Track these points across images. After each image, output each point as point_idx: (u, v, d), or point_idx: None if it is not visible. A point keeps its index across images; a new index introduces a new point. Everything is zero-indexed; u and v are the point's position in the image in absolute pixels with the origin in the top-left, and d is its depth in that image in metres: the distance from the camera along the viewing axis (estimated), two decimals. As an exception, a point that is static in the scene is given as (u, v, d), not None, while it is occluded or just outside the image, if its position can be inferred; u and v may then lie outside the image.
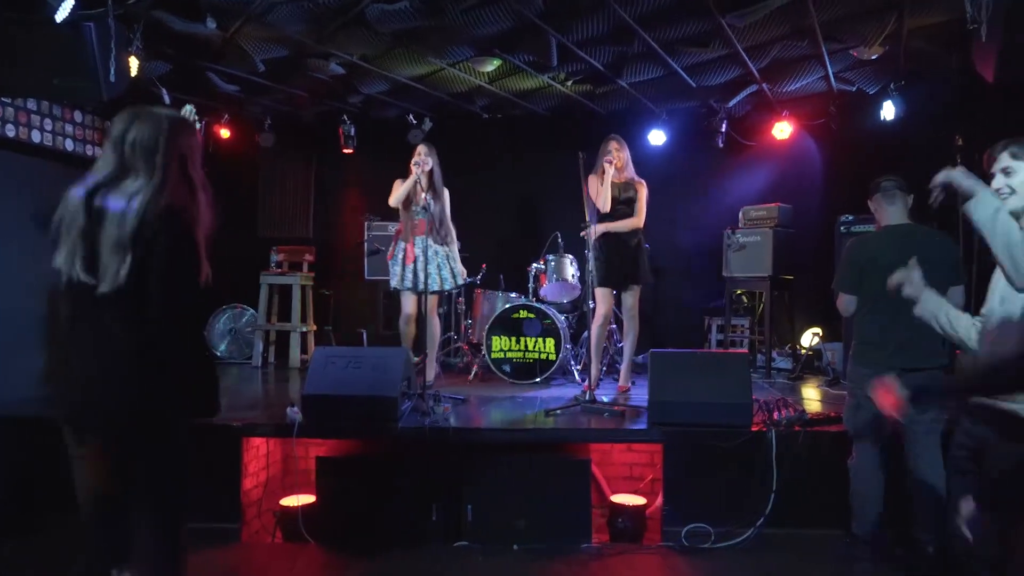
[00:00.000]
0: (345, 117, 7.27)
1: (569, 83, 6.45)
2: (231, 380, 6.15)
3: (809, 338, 6.88)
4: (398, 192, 5.26)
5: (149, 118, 2.21)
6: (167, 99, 6.06)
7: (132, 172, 2.15)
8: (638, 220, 5.27)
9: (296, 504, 4.24)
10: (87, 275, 2.06)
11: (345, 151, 7.43)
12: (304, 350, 6.96)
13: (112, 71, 4.19)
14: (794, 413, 4.25)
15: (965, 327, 2.62)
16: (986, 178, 2.55)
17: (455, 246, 5.46)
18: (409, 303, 5.37)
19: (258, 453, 4.54)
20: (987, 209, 2.33)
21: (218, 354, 7.22)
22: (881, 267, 3.56)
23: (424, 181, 5.29)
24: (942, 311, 2.65)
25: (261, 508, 4.50)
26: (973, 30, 4.06)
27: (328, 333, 7.32)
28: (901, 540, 3.47)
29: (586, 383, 5.22)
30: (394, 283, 5.34)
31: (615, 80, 6.27)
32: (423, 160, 5.25)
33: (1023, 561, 2.24)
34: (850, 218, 5.87)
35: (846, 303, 3.71)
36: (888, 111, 6.27)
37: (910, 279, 2.71)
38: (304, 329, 7.02)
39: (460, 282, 5.50)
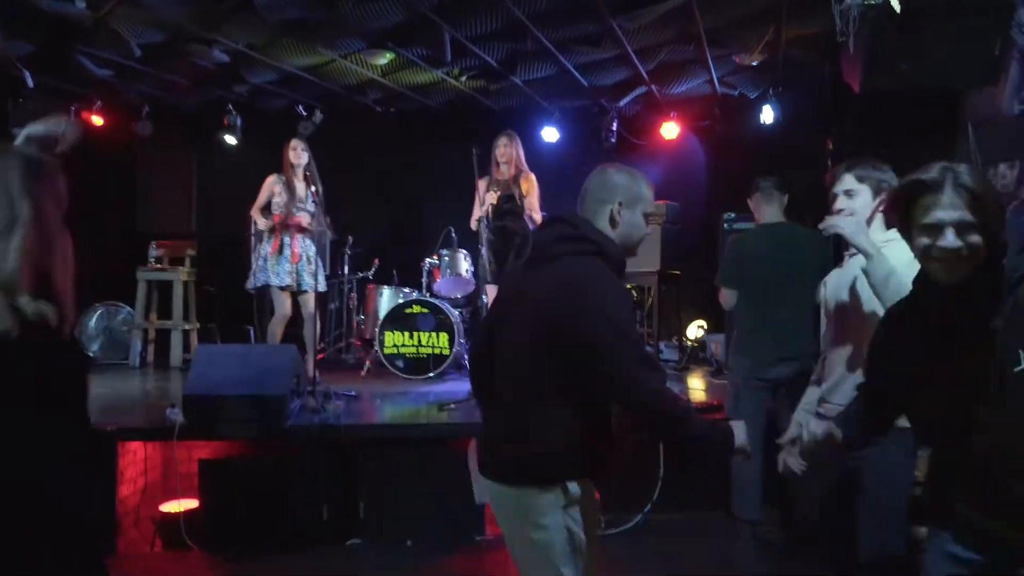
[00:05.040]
0: (230, 107, 6.98)
1: (463, 78, 6.43)
2: (105, 382, 5.78)
3: (695, 330, 7.15)
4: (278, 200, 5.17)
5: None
6: (31, 82, 5.64)
7: None
8: (535, 217, 5.29)
9: (178, 510, 4.04)
10: None
11: (231, 142, 7.14)
12: (186, 349, 6.64)
13: (-35, 49, 3.86)
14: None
15: None
16: (827, 195, 2.65)
17: (328, 237, 5.39)
18: (288, 304, 5.22)
19: (135, 458, 4.30)
20: (881, 271, 2.32)
21: (90, 355, 6.77)
22: (758, 262, 3.76)
23: (301, 176, 5.21)
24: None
25: (139, 516, 4.27)
26: (842, 42, 4.32)
27: (212, 331, 7.01)
28: (779, 520, 3.66)
29: None
30: (277, 282, 5.15)
31: (509, 77, 6.30)
32: (301, 155, 5.17)
33: None
34: (733, 216, 6.13)
35: (728, 297, 3.88)
36: (767, 115, 6.60)
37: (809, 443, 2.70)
38: (186, 327, 6.71)
39: (323, 288, 5.41)
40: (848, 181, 2.58)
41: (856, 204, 2.56)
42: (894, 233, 2.55)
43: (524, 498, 2.04)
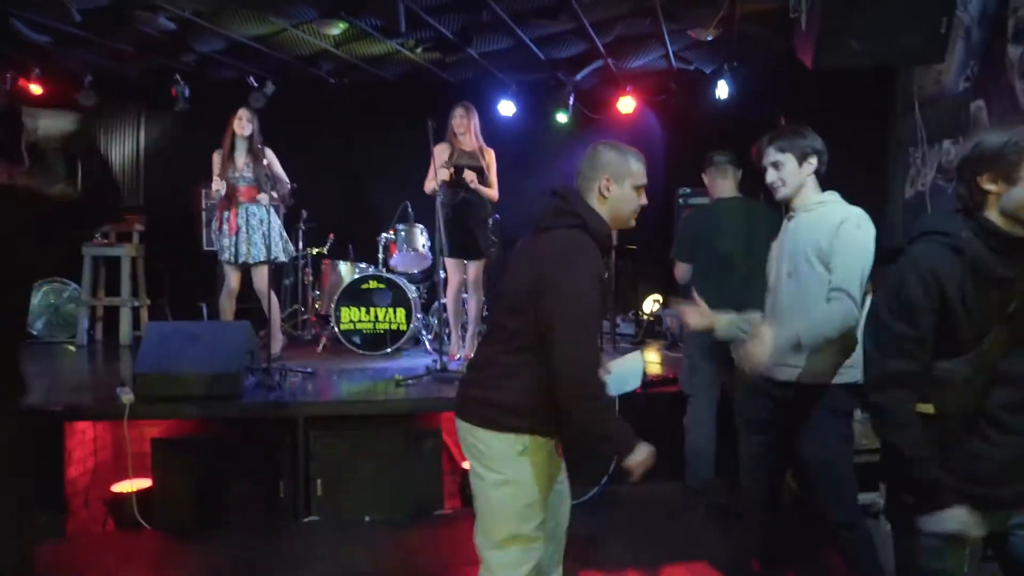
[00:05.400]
0: (178, 77, 6.77)
1: (418, 50, 6.33)
2: (51, 361, 5.63)
3: (650, 304, 7.24)
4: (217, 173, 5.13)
5: None
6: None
7: None
8: (493, 192, 5.27)
9: (130, 489, 3.97)
10: None
11: (179, 113, 6.94)
12: (136, 326, 6.48)
13: None
14: (636, 376, 4.46)
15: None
16: (758, 171, 2.70)
17: (282, 208, 5.30)
18: (233, 277, 5.15)
19: (84, 438, 4.21)
20: (816, 338, 2.39)
21: (34, 333, 6.56)
22: (713, 237, 3.81)
23: (244, 146, 5.12)
24: (741, 323, 2.66)
25: (89, 497, 4.18)
26: (795, 18, 4.36)
27: (163, 308, 6.86)
28: (731, 489, 3.74)
29: (452, 353, 5.27)
30: (220, 256, 5.14)
31: (465, 49, 6.22)
32: (245, 126, 5.09)
33: None
34: (688, 191, 6.20)
35: (683, 271, 3.93)
36: (722, 90, 6.65)
37: (698, 311, 2.71)
38: (136, 304, 6.54)
39: (285, 258, 5.32)
40: (772, 154, 2.63)
41: (784, 174, 2.62)
42: (829, 195, 2.63)
43: (481, 438, 2.17)
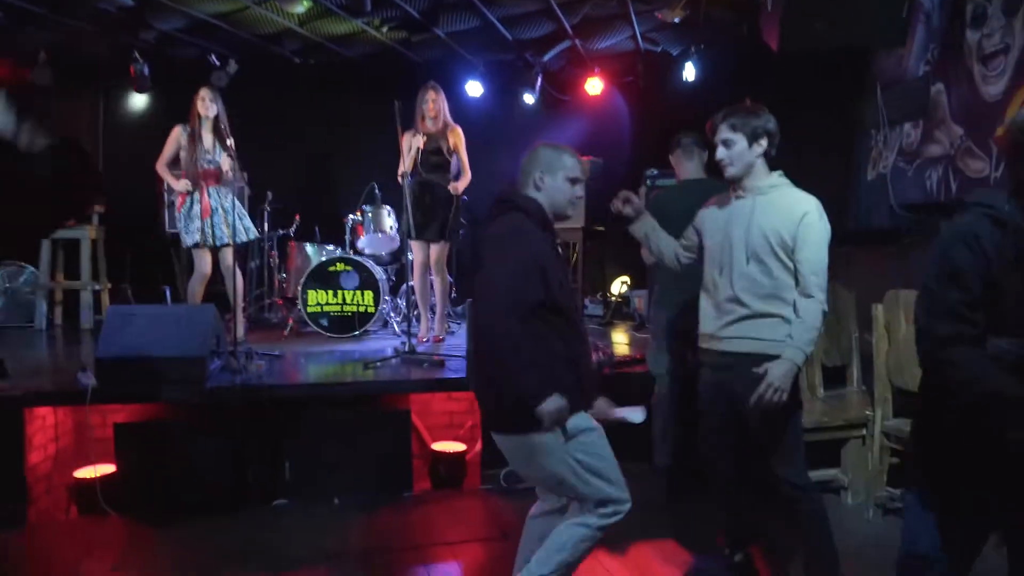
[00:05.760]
0: (137, 54, 6.60)
1: (384, 29, 6.26)
2: (9, 346, 5.49)
3: (618, 286, 7.28)
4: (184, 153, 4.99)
5: None
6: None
7: None
8: (465, 180, 5.24)
9: (93, 475, 3.91)
10: None
11: (138, 92, 6.78)
12: (97, 310, 6.36)
13: None
14: (604, 356, 4.51)
15: (668, 249, 3.01)
16: (711, 145, 2.76)
17: (247, 191, 5.24)
18: (206, 262, 5.05)
19: (45, 424, 4.12)
20: (803, 355, 2.54)
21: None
22: (679, 218, 3.82)
23: (209, 127, 5.01)
24: (651, 234, 3.04)
25: (51, 483, 4.11)
26: (761, 1, 4.39)
27: (125, 291, 6.73)
28: (698, 467, 3.80)
29: (421, 335, 5.25)
30: (190, 240, 5.00)
31: (431, 28, 6.17)
32: (209, 106, 4.96)
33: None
34: (655, 172, 6.21)
35: (649, 252, 3.95)
36: (689, 72, 6.69)
37: (631, 200, 2.98)
38: (96, 287, 6.41)
39: (251, 237, 5.25)
40: (724, 131, 2.65)
41: (733, 153, 2.64)
42: (778, 178, 2.66)
43: (524, 443, 2.33)
